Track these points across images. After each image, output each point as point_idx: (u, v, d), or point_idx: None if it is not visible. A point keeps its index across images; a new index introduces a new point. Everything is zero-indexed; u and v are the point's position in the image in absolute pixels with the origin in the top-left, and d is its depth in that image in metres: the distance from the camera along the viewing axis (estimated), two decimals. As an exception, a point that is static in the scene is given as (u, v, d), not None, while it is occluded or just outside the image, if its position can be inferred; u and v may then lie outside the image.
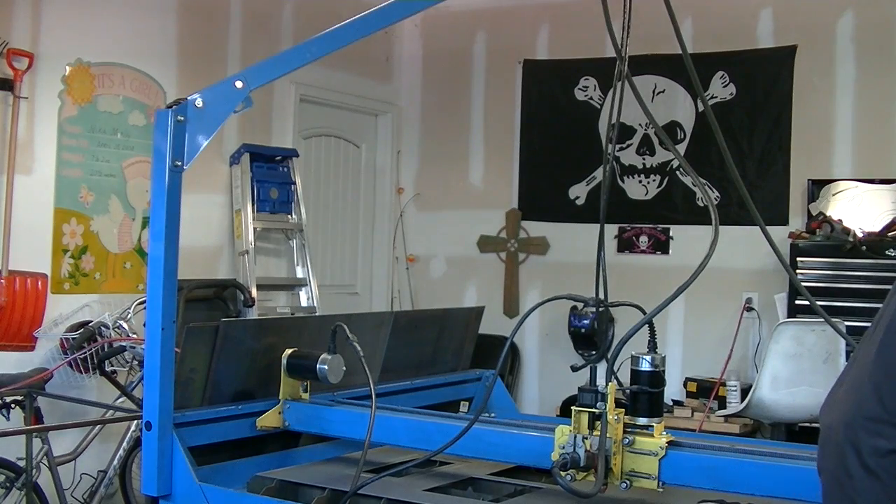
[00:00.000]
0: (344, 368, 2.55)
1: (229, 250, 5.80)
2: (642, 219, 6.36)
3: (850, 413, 1.31)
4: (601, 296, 2.23)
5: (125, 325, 4.51)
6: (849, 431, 1.30)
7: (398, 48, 7.13)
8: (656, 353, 2.12)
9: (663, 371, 2.12)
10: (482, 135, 6.96)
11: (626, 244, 6.38)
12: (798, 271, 5.37)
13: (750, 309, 5.88)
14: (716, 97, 6.05)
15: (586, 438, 2.06)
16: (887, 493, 1.26)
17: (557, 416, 5.51)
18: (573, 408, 2.10)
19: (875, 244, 5.35)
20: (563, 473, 2.00)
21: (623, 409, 2.09)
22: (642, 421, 2.09)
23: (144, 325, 2.44)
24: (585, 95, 6.55)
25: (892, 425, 1.26)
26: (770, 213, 5.71)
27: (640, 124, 6.29)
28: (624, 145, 6.35)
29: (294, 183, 6.05)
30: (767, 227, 2.36)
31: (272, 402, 2.60)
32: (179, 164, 2.36)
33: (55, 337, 4.70)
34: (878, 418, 1.27)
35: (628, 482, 2.07)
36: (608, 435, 2.04)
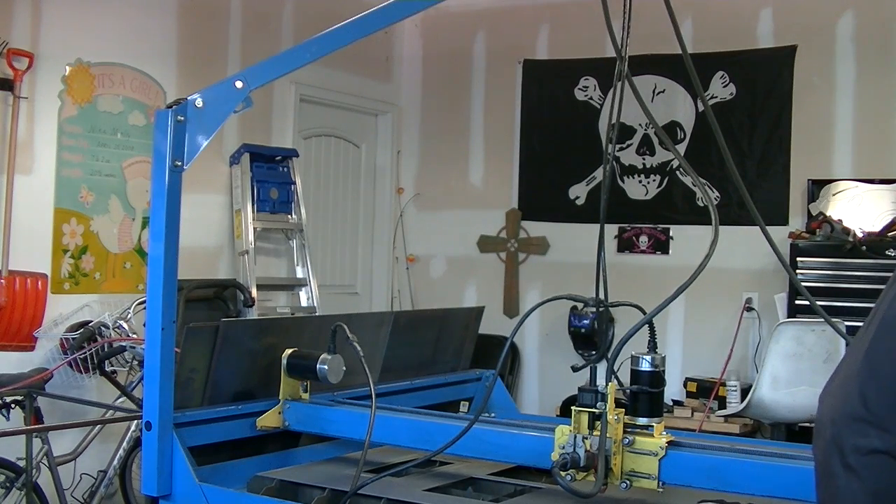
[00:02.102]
0: (344, 368, 2.55)
1: (229, 250, 5.80)
2: (642, 219, 6.36)
3: (837, 410, 1.35)
4: (601, 296, 2.23)
5: (125, 325, 4.51)
6: (834, 429, 1.34)
7: (398, 48, 7.13)
8: (656, 353, 2.12)
9: (663, 371, 2.12)
10: (482, 135, 6.96)
11: (626, 244, 6.39)
12: (798, 271, 5.37)
13: (750, 309, 5.88)
14: (716, 97, 6.05)
15: (586, 438, 2.06)
16: (865, 489, 1.29)
17: (557, 416, 5.51)
18: (573, 408, 2.10)
19: (875, 244, 5.35)
20: (563, 473, 2.00)
21: (623, 409, 2.09)
22: (642, 421, 2.09)
23: (144, 325, 2.44)
24: (585, 95, 6.55)
25: (873, 425, 1.30)
26: (770, 213, 5.71)
27: (640, 124, 6.30)
28: (624, 145, 6.35)
29: (294, 183, 6.05)
30: (767, 227, 2.36)
31: (272, 402, 2.60)
32: (179, 164, 2.36)
33: (55, 337, 4.70)
34: (861, 418, 1.31)
35: (628, 482, 2.06)
36: (608, 435, 2.04)
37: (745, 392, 5.24)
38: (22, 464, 3.99)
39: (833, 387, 1.40)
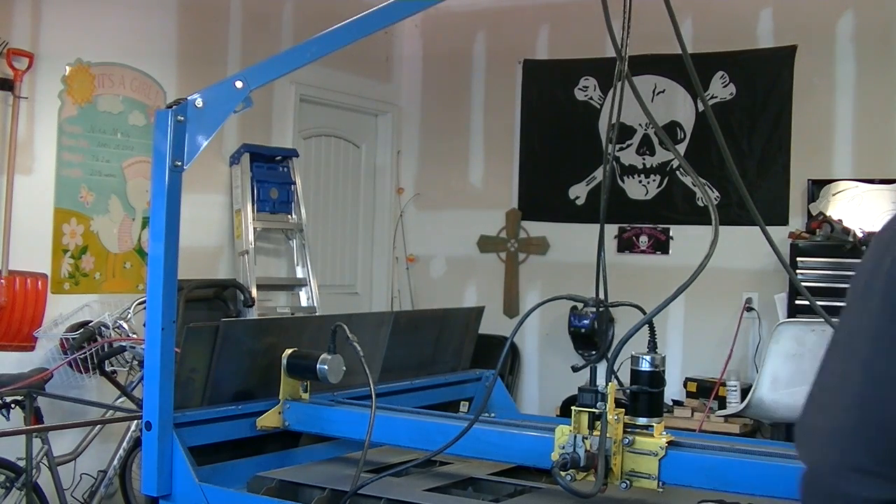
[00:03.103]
0: (344, 368, 2.55)
1: (229, 250, 5.80)
2: (642, 219, 6.36)
3: (836, 462, 1.31)
4: (601, 296, 2.23)
5: (125, 325, 4.51)
6: (835, 480, 1.30)
7: (398, 48, 7.13)
8: (656, 353, 2.12)
9: (663, 371, 2.12)
10: (482, 135, 6.96)
11: (626, 244, 6.38)
12: (798, 271, 5.36)
13: (750, 309, 5.88)
14: (716, 97, 6.05)
15: (586, 438, 2.06)
16: None
17: (557, 416, 5.50)
18: (573, 408, 2.10)
19: (875, 244, 5.34)
20: (563, 473, 2.00)
21: (623, 409, 2.09)
22: (642, 421, 2.09)
23: (144, 325, 2.44)
24: (585, 95, 6.54)
25: (882, 477, 1.28)
26: (770, 213, 5.70)
27: (640, 124, 6.29)
28: (624, 145, 6.35)
29: (294, 183, 6.05)
30: (767, 227, 2.37)
31: (272, 402, 2.60)
32: (179, 164, 2.36)
33: (55, 337, 4.70)
34: (868, 470, 1.28)
35: (628, 482, 2.06)
36: (608, 435, 2.04)
37: (745, 392, 5.23)
38: (22, 464, 3.99)
39: (819, 427, 1.35)
